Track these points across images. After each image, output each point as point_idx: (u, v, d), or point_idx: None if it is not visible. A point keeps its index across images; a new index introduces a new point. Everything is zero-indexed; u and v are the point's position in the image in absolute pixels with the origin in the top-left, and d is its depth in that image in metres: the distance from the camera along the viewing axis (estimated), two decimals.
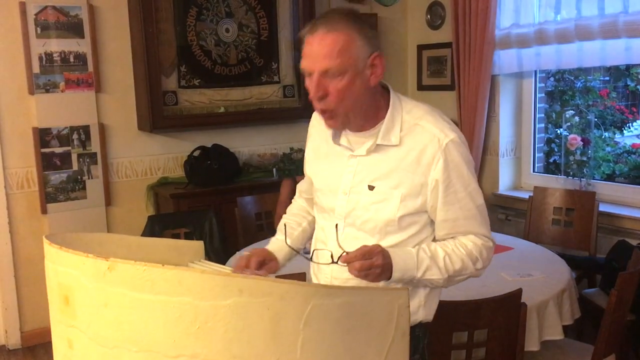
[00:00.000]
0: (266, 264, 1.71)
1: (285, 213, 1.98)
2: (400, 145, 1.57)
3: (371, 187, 1.58)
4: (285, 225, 1.85)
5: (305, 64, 1.51)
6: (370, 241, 1.57)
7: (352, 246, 1.53)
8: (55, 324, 1.28)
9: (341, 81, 1.48)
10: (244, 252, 3.01)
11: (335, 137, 1.65)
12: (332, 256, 1.51)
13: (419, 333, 1.71)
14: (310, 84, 1.50)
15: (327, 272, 1.67)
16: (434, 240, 1.65)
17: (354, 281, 1.55)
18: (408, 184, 1.56)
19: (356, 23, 1.49)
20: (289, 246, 1.78)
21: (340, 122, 1.56)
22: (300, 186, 1.94)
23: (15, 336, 3.84)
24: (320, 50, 1.46)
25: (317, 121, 1.74)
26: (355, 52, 1.47)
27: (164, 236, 3.37)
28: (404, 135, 1.57)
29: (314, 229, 1.83)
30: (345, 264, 1.48)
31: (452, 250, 1.58)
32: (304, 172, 1.87)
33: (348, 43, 1.46)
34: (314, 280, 1.78)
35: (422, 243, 1.61)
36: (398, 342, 1.32)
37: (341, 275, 1.59)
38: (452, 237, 1.61)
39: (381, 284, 1.53)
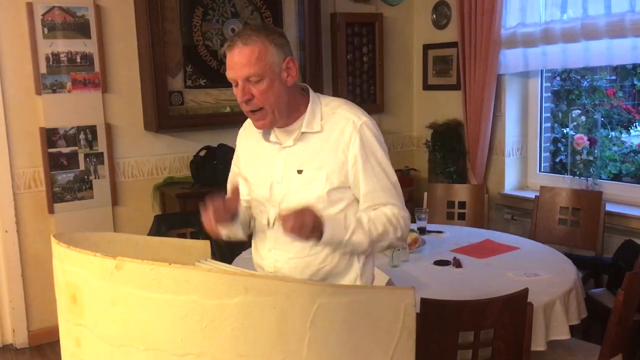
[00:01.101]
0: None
1: None
2: (322, 132, 1.80)
3: (300, 171, 1.80)
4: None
5: (230, 75, 1.75)
6: None
7: None
8: (63, 322, 1.29)
9: (262, 84, 1.72)
10: (250, 251, 3.02)
11: (266, 136, 1.87)
12: (268, 220, 1.81)
13: None
14: (237, 91, 1.75)
15: (270, 258, 1.86)
16: None
17: (295, 261, 1.80)
18: (331, 163, 1.78)
19: (268, 35, 1.73)
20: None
21: (268, 120, 1.78)
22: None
23: (23, 335, 3.86)
24: (240, 61, 1.71)
25: (245, 130, 2.01)
26: (270, 59, 1.71)
27: (170, 236, 3.38)
28: (324, 122, 1.81)
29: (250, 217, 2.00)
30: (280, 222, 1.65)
31: (374, 216, 1.77)
32: (231, 178, 2.05)
33: (263, 52, 1.70)
34: (258, 270, 1.94)
35: (351, 219, 1.78)
36: (405, 340, 1.32)
37: (282, 257, 1.82)
38: (373, 209, 1.80)
39: (357, 270, 1.78)
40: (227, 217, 1.80)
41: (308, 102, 1.83)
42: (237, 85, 1.74)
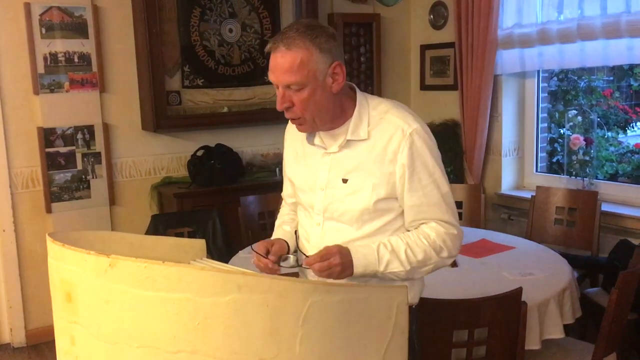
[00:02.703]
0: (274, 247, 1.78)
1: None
2: (369, 139, 1.68)
3: (345, 180, 1.69)
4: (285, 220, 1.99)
5: (271, 78, 1.65)
6: (349, 231, 1.70)
7: (333, 237, 1.70)
8: (57, 320, 1.29)
9: (303, 93, 1.61)
10: (248, 250, 3.03)
11: (310, 138, 1.77)
12: (297, 261, 1.70)
13: None
14: (277, 94, 1.65)
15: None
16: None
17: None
18: (378, 174, 1.66)
19: (314, 38, 1.59)
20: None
21: (309, 126, 1.69)
22: (285, 192, 2.02)
23: (20, 334, 3.86)
24: (282, 66, 1.59)
25: (289, 130, 1.90)
26: (313, 66, 1.59)
27: (168, 235, 3.39)
28: (371, 129, 1.68)
29: None
30: (309, 267, 1.60)
31: (414, 242, 1.66)
32: (284, 177, 1.96)
33: (305, 59, 1.58)
34: (301, 276, 1.85)
35: (398, 231, 1.71)
36: (397, 339, 1.33)
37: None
38: (417, 226, 1.70)
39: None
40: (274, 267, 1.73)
41: (355, 104, 1.71)
42: (278, 88, 1.65)
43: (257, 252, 1.72)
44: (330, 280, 1.59)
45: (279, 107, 1.65)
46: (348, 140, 1.69)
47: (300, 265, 1.68)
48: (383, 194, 1.66)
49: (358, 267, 1.60)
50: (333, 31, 1.66)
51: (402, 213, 1.71)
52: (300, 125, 1.69)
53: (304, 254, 1.71)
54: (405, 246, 1.65)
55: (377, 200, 1.66)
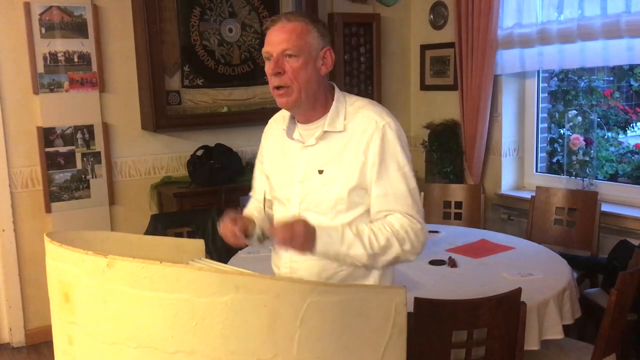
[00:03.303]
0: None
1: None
2: (345, 131, 1.76)
3: (320, 171, 1.77)
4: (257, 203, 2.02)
5: (267, 49, 1.71)
6: (324, 221, 1.74)
7: None
8: (55, 320, 1.29)
9: (297, 62, 1.69)
10: (247, 250, 3.03)
11: (289, 132, 1.84)
12: (262, 234, 1.74)
13: None
14: (268, 65, 1.71)
15: (287, 258, 1.82)
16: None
17: (310, 263, 1.74)
18: (351, 164, 1.73)
19: (313, 20, 1.73)
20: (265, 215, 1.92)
21: (293, 98, 1.73)
22: (255, 189, 2.04)
23: (20, 334, 3.86)
24: (280, 35, 1.69)
25: (270, 128, 1.98)
26: (310, 40, 1.70)
27: (167, 235, 3.39)
28: (347, 122, 1.77)
29: None
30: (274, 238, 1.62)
31: (378, 228, 1.69)
32: (258, 177, 2.02)
33: (305, 31, 1.69)
34: (275, 270, 1.91)
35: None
36: (395, 339, 1.33)
37: (299, 258, 1.76)
38: (382, 217, 1.73)
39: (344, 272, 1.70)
40: (241, 235, 1.77)
41: (333, 100, 1.80)
42: (269, 59, 1.71)
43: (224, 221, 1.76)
44: (329, 281, 1.59)
45: (270, 71, 1.71)
46: (325, 132, 1.76)
47: (266, 237, 1.70)
48: (355, 183, 1.73)
49: (320, 243, 1.62)
50: (326, 24, 1.78)
51: None
52: (285, 96, 1.73)
53: (263, 231, 1.75)
54: (369, 231, 1.68)
55: (350, 190, 1.73)
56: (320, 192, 1.76)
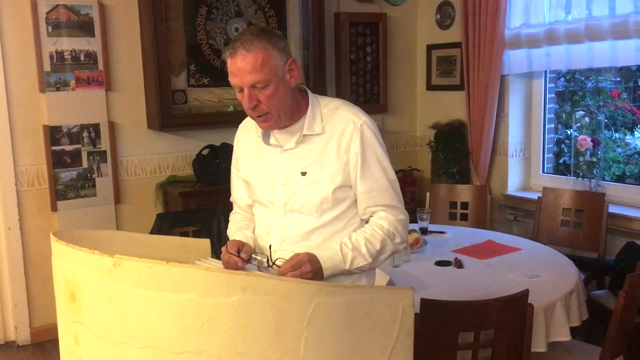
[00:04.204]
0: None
1: None
2: (323, 133, 1.82)
3: (304, 173, 1.82)
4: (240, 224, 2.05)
5: (234, 81, 1.73)
6: (310, 220, 1.82)
7: (294, 227, 1.84)
8: (61, 319, 1.29)
9: (268, 90, 1.71)
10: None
11: (265, 139, 1.88)
12: (268, 261, 1.79)
13: None
14: (242, 98, 1.74)
15: (275, 258, 1.84)
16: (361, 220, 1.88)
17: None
18: (334, 164, 1.80)
19: (269, 39, 1.71)
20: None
21: (274, 122, 1.79)
22: (236, 195, 2.07)
23: (25, 332, 3.87)
24: (244, 67, 1.69)
25: (242, 133, 2.00)
26: (273, 63, 1.71)
27: (173, 234, 3.39)
28: (325, 124, 1.82)
29: None
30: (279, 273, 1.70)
31: (370, 234, 1.81)
32: (235, 181, 2.05)
33: (266, 57, 1.69)
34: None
35: (353, 219, 1.86)
36: (402, 341, 1.32)
37: (284, 257, 1.80)
38: (370, 214, 1.85)
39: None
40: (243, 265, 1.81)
41: (308, 103, 1.84)
42: (241, 91, 1.74)
43: (230, 253, 1.79)
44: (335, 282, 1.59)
45: (247, 106, 1.73)
46: (304, 136, 1.81)
47: (270, 266, 1.78)
48: (339, 182, 1.80)
49: (327, 270, 1.73)
50: (281, 33, 1.81)
51: (355, 201, 1.85)
52: (266, 122, 1.78)
53: (269, 258, 1.81)
54: (364, 240, 1.78)
55: (335, 189, 1.80)
56: (305, 193, 1.81)
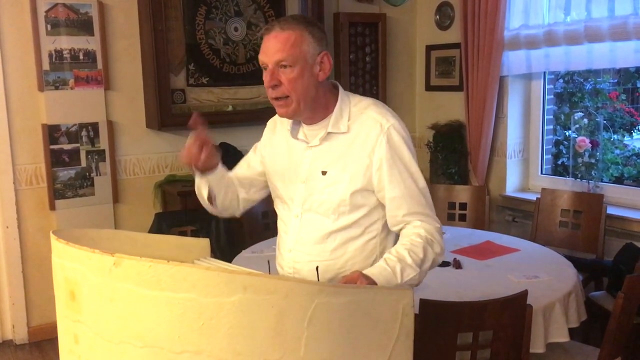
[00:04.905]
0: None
1: None
2: (348, 132, 1.74)
3: (324, 172, 1.75)
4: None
5: (262, 58, 1.69)
6: (326, 222, 1.75)
7: (310, 229, 1.77)
8: (61, 318, 1.29)
9: (292, 72, 1.66)
10: (252, 250, 3.02)
11: (294, 132, 1.83)
12: (317, 277, 1.72)
13: None
14: (265, 75, 1.69)
15: (290, 259, 1.82)
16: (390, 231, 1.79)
17: (313, 263, 1.75)
18: (355, 166, 1.72)
19: (307, 25, 1.68)
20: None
21: (292, 109, 1.71)
22: (235, 169, 2.04)
23: (23, 331, 3.86)
24: (274, 45, 1.65)
25: (274, 124, 1.95)
26: (305, 48, 1.66)
27: (171, 234, 3.38)
28: (351, 123, 1.75)
29: (234, 193, 1.98)
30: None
31: (410, 244, 1.68)
32: (244, 161, 2.03)
33: (299, 39, 1.65)
34: (279, 270, 1.90)
35: (372, 226, 1.77)
36: (402, 341, 1.32)
37: (301, 259, 1.78)
38: (401, 221, 1.74)
39: None
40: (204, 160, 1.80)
41: (337, 100, 1.77)
42: (266, 69, 1.69)
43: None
44: (331, 282, 1.58)
45: (267, 83, 1.69)
46: (328, 133, 1.75)
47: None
48: (359, 186, 1.72)
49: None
50: (322, 26, 1.74)
51: (376, 207, 1.76)
52: (284, 107, 1.72)
53: (317, 276, 1.73)
54: (407, 251, 1.65)
55: (354, 192, 1.72)
56: (323, 193, 1.75)
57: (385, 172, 1.70)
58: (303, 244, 1.79)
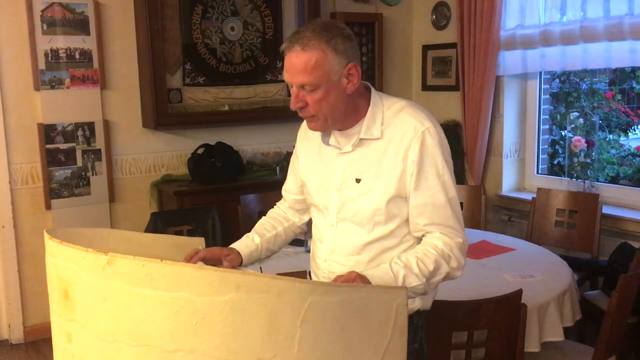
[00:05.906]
0: (223, 261, 1.79)
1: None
2: (382, 138, 1.67)
3: (358, 180, 1.68)
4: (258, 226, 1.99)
5: (286, 77, 1.64)
6: (361, 233, 1.68)
7: (345, 239, 1.71)
8: (55, 317, 1.29)
9: (317, 94, 1.60)
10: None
11: (325, 139, 1.76)
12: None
13: (417, 322, 1.75)
14: (292, 94, 1.64)
15: (325, 269, 1.77)
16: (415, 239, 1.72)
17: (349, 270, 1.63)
18: (389, 172, 1.65)
19: (329, 39, 1.58)
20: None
21: (321, 125, 1.67)
22: (286, 186, 2.00)
23: (18, 331, 3.86)
24: (296, 66, 1.58)
25: (305, 131, 1.87)
26: (328, 68, 1.58)
27: (167, 233, 3.38)
28: (384, 128, 1.67)
29: (289, 236, 1.98)
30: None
31: (422, 253, 1.62)
32: (291, 173, 1.97)
33: (321, 60, 1.57)
34: (314, 278, 1.84)
35: (407, 237, 1.70)
36: (396, 340, 1.32)
37: (337, 269, 1.71)
38: (421, 230, 1.67)
39: None
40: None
41: (368, 103, 1.69)
42: (292, 87, 1.64)
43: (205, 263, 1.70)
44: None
45: (292, 107, 1.65)
46: (361, 139, 1.68)
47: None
48: (393, 192, 1.64)
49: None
50: (349, 32, 1.63)
51: (407, 220, 1.69)
52: (313, 122, 1.68)
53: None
54: (415, 259, 1.60)
55: (389, 200, 1.64)
56: (357, 202, 1.68)
57: (414, 176, 1.63)
58: (338, 255, 1.73)
